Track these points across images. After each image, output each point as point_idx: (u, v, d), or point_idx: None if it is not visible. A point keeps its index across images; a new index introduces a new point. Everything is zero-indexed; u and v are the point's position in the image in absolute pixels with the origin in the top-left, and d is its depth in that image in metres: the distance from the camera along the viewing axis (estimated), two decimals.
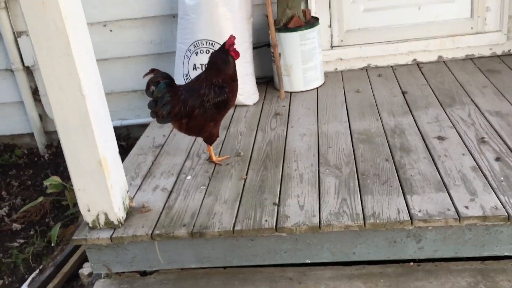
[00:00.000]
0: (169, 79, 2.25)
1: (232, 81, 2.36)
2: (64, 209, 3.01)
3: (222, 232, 1.99)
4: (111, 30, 3.50)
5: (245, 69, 3.12)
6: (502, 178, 2.04)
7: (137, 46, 3.57)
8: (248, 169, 2.41)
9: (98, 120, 1.96)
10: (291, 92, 3.26)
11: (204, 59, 3.09)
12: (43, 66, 1.85)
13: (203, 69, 3.04)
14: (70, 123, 1.92)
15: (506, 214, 1.83)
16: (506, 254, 1.92)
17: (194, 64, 3.13)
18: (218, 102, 2.32)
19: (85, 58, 1.91)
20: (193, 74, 3.10)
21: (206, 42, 3.08)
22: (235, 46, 2.34)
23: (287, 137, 2.68)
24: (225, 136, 2.79)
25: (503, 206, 1.87)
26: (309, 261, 2.04)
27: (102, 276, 2.20)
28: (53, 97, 1.89)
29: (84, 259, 2.60)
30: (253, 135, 2.76)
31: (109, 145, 2.04)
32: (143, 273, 2.18)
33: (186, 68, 3.17)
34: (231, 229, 1.99)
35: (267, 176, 2.32)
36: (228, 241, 2.03)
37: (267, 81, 3.48)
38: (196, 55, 3.12)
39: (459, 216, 1.86)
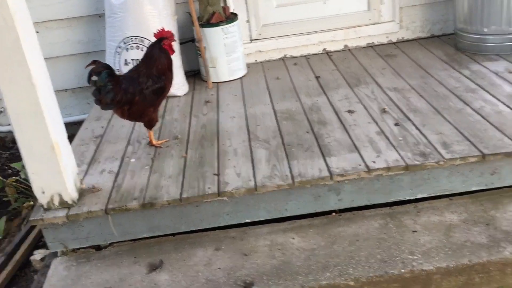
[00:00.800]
0: (110, 69, 2.46)
1: (168, 71, 2.61)
2: (5, 205, 3.07)
3: (170, 201, 2.24)
4: (37, 32, 3.56)
5: (174, 62, 3.35)
6: (400, 138, 2.48)
7: (65, 46, 3.69)
8: (187, 148, 2.68)
9: (49, 108, 2.14)
10: (218, 82, 3.55)
11: (134, 54, 3.31)
12: None
13: (134, 64, 3.27)
14: (22, 112, 2.08)
15: (405, 164, 2.26)
16: (408, 198, 2.35)
17: (126, 60, 3.33)
18: (156, 89, 2.57)
19: (33, 50, 2.08)
20: (125, 69, 3.29)
21: (135, 38, 3.29)
22: (169, 41, 2.60)
23: (219, 120, 2.98)
24: (161, 123, 3.03)
25: (402, 158, 2.30)
26: (249, 221, 2.34)
27: (58, 254, 2.35)
28: (5, 89, 2.04)
29: (34, 247, 2.73)
30: (187, 121, 3.02)
31: (60, 131, 2.22)
32: (98, 248, 2.37)
33: (118, 64, 3.35)
34: (179, 198, 2.25)
35: (205, 153, 2.60)
36: (176, 209, 2.28)
37: (194, 74, 3.75)
38: (127, 51, 3.32)
39: (368, 169, 2.26)
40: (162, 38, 2.57)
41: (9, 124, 2.16)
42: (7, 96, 2.05)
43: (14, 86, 2.03)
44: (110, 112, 3.21)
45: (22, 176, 3.06)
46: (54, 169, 2.18)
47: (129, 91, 2.50)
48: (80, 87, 3.83)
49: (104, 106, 2.47)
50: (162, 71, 2.57)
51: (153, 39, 2.64)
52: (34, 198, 2.88)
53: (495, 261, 2.00)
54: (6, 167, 3.54)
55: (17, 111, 2.07)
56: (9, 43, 1.98)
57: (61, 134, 2.22)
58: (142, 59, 2.62)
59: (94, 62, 2.42)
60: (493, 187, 2.33)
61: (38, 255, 2.61)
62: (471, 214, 2.26)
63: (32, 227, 2.83)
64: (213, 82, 3.54)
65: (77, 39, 3.68)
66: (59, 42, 3.66)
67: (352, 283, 2.00)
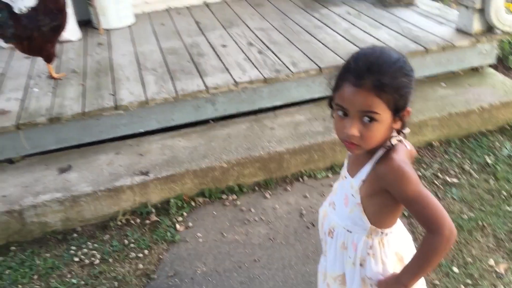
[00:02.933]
0: (10, 7, 2.79)
1: (62, 9, 2.99)
2: None
3: (74, 115, 2.69)
4: None
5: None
6: (261, 62, 3.13)
7: None
8: (85, 79, 3.10)
9: None
10: (108, 29, 3.95)
11: (29, 2, 3.58)
12: None
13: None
14: None
15: (263, 77, 2.91)
16: (268, 106, 3.01)
17: (20, 8, 3.59)
18: (53, 26, 2.94)
19: None
20: None
21: None
22: None
23: (112, 57, 3.42)
24: (59, 62, 3.39)
25: (262, 74, 2.95)
26: (142, 130, 2.86)
27: None
28: None
29: None
30: (83, 59, 3.42)
31: None
32: (11, 162, 2.75)
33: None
34: (82, 112, 2.70)
35: (101, 81, 3.05)
36: (79, 123, 2.73)
37: (86, 23, 4.09)
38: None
39: (236, 83, 2.88)
40: None
41: None
42: None
43: None
44: (8, 54, 3.53)
45: None
46: None
47: (28, 27, 2.85)
48: None
49: (6, 39, 2.81)
50: (58, 9, 2.95)
51: None
52: None
53: (327, 141, 2.74)
54: None
55: None
56: None
57: None
58: (39, 0, 2.97)
59: None
60: (330, 95, 3.07)
61: None
62: (313, 114, 2.99)
63: None
64: (104, 29, 3.93)
65: None
66: None
67: (225, 164, 2.63)
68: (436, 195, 2.50)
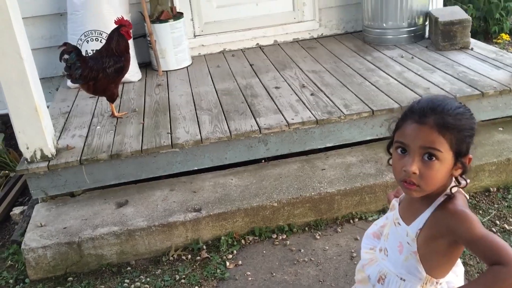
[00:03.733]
0: (78, 50, 3.01)
1: (125, 52, 3.19)
2: None
3: (133, 152, 2.82)
4: None
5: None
6: (314, 103, 3.18)
7: (29, 41, 4.15)
8: (144, 117, 3.26)
9: (32, 77, 2.66)
10: (167, 71, 4.15)
11: (94, 45, 3.84)
12: None
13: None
14: (12, 80, 2.59)
15: (315, 119, 2.95)
16: (319, 147, 3.04)
17: (86, 50, 3.85)
18: (117, 68, 3.13)
19: (21, 31, 2.61)
20: None
21: (95, 32, 3.84)
22: (127, 29, 3.18)
23: (169, 97, 3.57)
24: (120, 102, 3.58)
25: (314, 116, 2.99)
26: (196, 168, 2.95)
27: (39, 201, 2.85)
28: None
29: (12, 205, 3.20)
30: (142, 99, 3.60)
31: (40, 97, 2.74)
32: (72, 195, 2.89)
33: None
34: (140, 149, 2.82)
35: (159, 120, 3.19)
36: (137, 160, 2.85)
37: (146, 65, 4.32)
38: (87, 43, 3.85)
39: (288, 124, 2.93)
40: (121, 25, 3.15)
41: None
42: (0, 68, 2.56)
43: (5, 59, 2.55)
44: (74, 93, 3.77)
45: None
46: (36, 127, 2.70)
47: (94, 68, 3.05)
48: (42, 78, 4.27)
49: (74, 80, 3.01)
50: (121, 52, 3.15)
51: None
52: (9, 167, 3.39)
53: (379, 183, 2.72)
54: None
55: (7, 80, 2.58)
56: (3, 24, 2.50)
57: (42, 99, 2.75)
58: (104, 43, 3.18)
59: (65, 44, 2.97)
60: (382, 137, 3.06)
61: (17, 210, 3.10)
62: (365, 156, 2.98)
63: (7, 193, 3.30)
64: (163, 71, 4.13)
65: (40, 35, 4.17)
66: None
67: (275, 204, 2.65)
68: None
